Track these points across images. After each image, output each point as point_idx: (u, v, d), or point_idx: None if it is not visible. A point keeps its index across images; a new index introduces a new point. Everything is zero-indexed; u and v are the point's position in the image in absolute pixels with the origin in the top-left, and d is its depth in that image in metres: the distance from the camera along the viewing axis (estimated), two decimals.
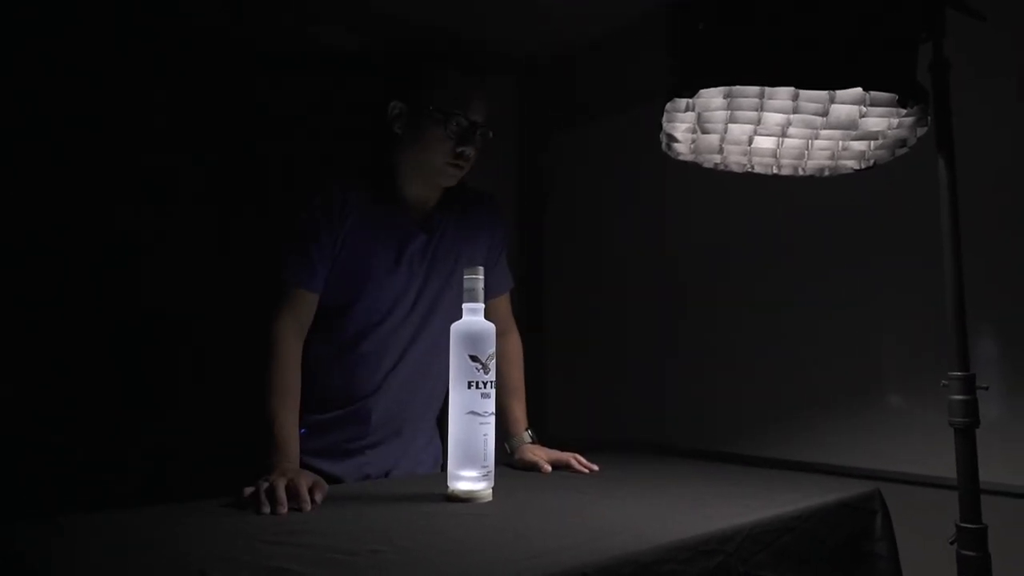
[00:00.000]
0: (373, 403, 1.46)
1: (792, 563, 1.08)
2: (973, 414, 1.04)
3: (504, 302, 1.65)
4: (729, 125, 1.18)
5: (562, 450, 1.53)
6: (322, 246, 1.39)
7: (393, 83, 1.48)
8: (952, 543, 1.05)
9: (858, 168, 1.26)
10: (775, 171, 1.29)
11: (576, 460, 1.49)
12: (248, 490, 1.10)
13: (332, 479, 1.37)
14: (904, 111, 1.10)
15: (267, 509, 1.05)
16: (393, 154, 1.47)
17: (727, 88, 1.09)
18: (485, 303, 1.53)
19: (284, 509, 1.05)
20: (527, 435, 1.57)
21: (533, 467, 1.48)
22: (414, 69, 1.45)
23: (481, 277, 1.21)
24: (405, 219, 1.47)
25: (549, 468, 1.47)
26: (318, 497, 1.11)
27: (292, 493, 1.08)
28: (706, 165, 1.29)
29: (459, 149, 1.41)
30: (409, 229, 1.46)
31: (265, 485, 1.09)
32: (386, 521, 1.01)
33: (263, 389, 1.31)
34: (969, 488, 1.04)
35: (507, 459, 1.55)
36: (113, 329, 2.04)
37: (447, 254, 1.50)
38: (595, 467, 1.48)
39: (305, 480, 1.13)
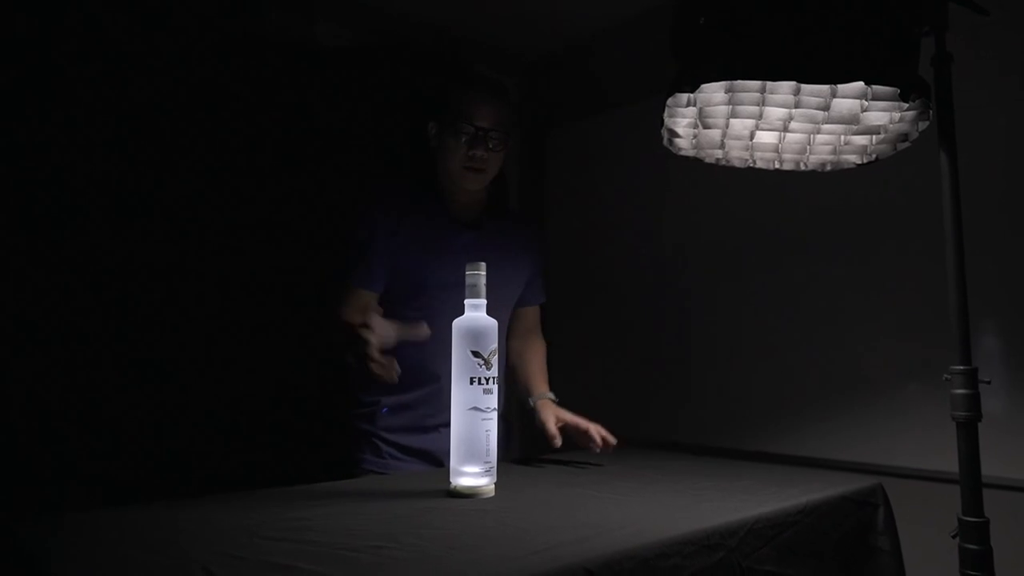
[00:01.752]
0: (443, 379, 1.51)
1: (795, 557, 1.08)
2: (975, 408, 1.04)
3: (536, 311, 1.83)
4: (730, 120, 1.18)
5: (567, 450, 1.54)
6: (378, 248, 1.57)
7: (429, 106, 1.71)
8: (954, 536, 1.05)
9: (860, 163, 1.26)
10: (777, 166, 1.29)
11: (597, 432, 1.54)
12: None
13: (415, 453, 1.59)
14: (906, 105, 1.10)
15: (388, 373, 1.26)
16: (435, 164, 1.67)
17: (728, 83, 1.09)
18: (520, 309, 1.80)
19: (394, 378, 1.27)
20: (551, 394, 1.66)
21: (544, 431, 1.55)
22: (441, 91, 1.67)
23: (483, 273, 1.21)
24: (453, 221, 1.65)
25: (558, 442, 1.54)
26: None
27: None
28: (708, 160, 1.28)
29: (470, 153, 1.57)
30: (457, 226, 1.64)
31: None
32: (389, 517, 1.01)
33: (336, 329, 1.51)
34: (971, 482, 1.04)
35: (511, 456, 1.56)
36: (116, 325, 2.04)
37: (496, 256, 1.53)
38: (613, 441, 1.54)
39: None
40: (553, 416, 1.59)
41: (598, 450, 1.54)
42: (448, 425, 1.51)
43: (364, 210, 1.62)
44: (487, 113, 1.59)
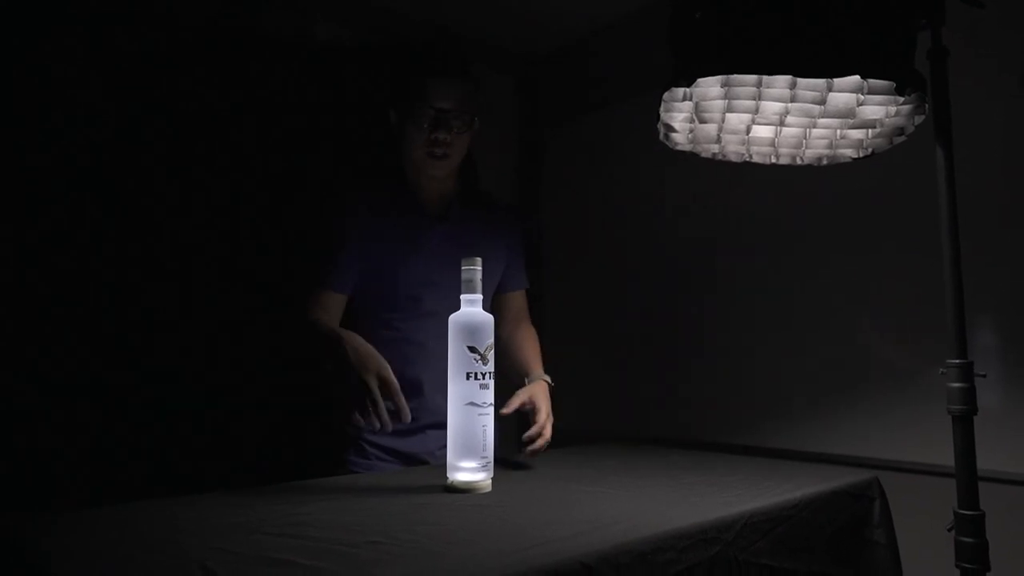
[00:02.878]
0: (426, 385, 1.53)
1: (790, 550, 1.09)
2: (971, 402, 1.05)
3: (521, 297, 1.75)
4: (727, 114, 1.18)
5: (563, 443, 1.52)
6: (349, 250, 1.52)
7: (389, 93, 1.64)
8: (950, 530, 1.06)
9: (856, 157, 1.25)
10: (773, 160, 1.29)
11: (538, 429, 1.40)
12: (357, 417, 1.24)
13: (400, 455, 1.54)
14: (902, 99, 1.10)
15: (379, 425, 1.23)
16: (399, 156, 1.60)
17: (725, 77, 1.09)
18: (503, 295, 1.70)
19: (389, 428, 1.23)
20: (547, 376, 1.57)
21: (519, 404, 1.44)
22: (398, 75, 1.60)
23: (479, 268, 1.21)
24: (423, 213, 1.58)
25: (509, 409, 1.41)
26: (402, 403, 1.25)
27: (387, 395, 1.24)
28: (704, 155, 1.28)
29: (432, 137, 1.50)
30: (428, 220, 1.58)
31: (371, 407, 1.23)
32: (386, 513, 1.01)
33: (303, 329, 1.48)
34: (967, 475, 1.05)
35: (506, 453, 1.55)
36: (114, 323, 2.04)
37: (469, 246, 1.49)
38: (537, 450, 1.40)
39: (387, 373, 1.26)
40: (527, 395, 1.46)
41: (525, 451, 1.41)
42: (433, 427, 1.53)
43: (332, 210, 1.57)
44: (447, 93, 1.50)
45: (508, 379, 1.68)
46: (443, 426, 1.44)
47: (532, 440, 1.40)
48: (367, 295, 1.54)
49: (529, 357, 1.65)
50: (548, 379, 1.58)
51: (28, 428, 1.90)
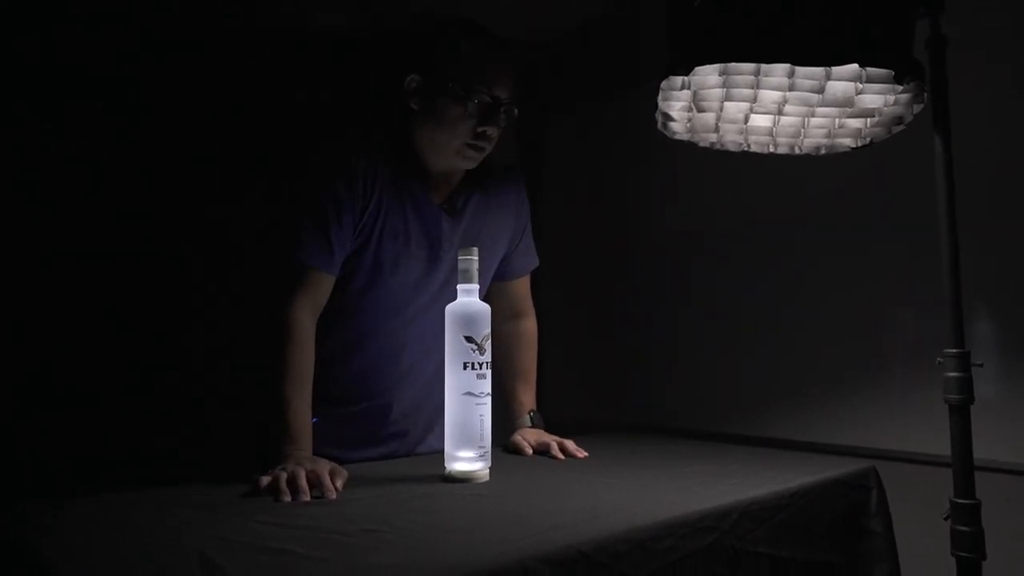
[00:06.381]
0: (393, 398, 1.40)
1: (788, 539, 1.09)
2: (968, 391, 1.05)
3: (526, 283, 1.57)
4: (725, 103, 1.17)
5: (560, 434, 1.47)
6: (343, 226, 1.27)
7: (410, 54, 1.34)
8: (946, 518, 1.06)
9: (855, 146, 1.25)
10: (771, 150, 1.28)
11: (558, 445, 1.39)
12: (265, 479, 1.04)
13: (374, 457, 1.37)
14: (900, 88, 1.09)
15: (288, 498, 1.00)
16: (411, 129, 1.34)
17: (723, 65, 1.08)
18: (508, 282, 1.54)
19: (306, 497, 1.00)
20: (527, 418, 1.50)
21: (517, 451, 1.43)
22: (433, 39, 1.31)
23: (475, 258, 1.20)
24: (428, 199, 1.36)
25: (531, 451, 1.41)
26: (339, 484, 1.06)
27: (313, 481, 1.03)
28: (702, 144, 1.28)
29: (480, 129, 1.28)
30: (433, 211, 1.36)
31: (284, 474, 1.04)
32: (383, 502, 1.01)
33: (276, 372, 1.22)
34: (963, 464, 1.05)
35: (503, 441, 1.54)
36: (115, 317, 2.04)
37: (472, 239, 1.39)
38: (582, 454, 1.38)
39: (324, 467, 1.07)
40: (521, 438, 1.45)
41: (561, 457, 1.38)
42: (398, 436, 1.42)
43: (326, 177, 1.29)
44: (505, 80, 1.28)
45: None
46: (397, 436, 1.41)
47: (569, 453, 1.38)
48: (351, 285, 1.34)
49: (517, 387, 1.52)
50: (531, 420, 1.49)
51: (28, 420, 1.90)
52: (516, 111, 1.32)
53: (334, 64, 2.43)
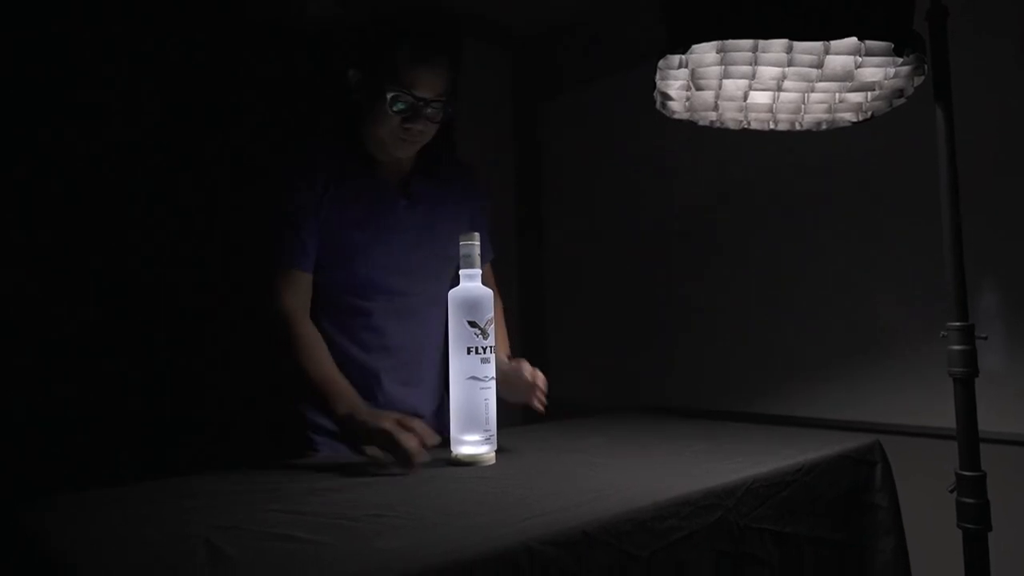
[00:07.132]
0: (383, 376, 1.43)
1: (793, 516, 1.09)
2: (972, 364, 1.05)
3: (488, 270, 1.58)
4: (723, 81, 1.16)
5: (567, 415, 1.46)
6: (309, 222, 1.35)
7: (350, 50, 1.41)
8: (951, 491, 1.06)
9: (856, 120, 1.24)
10: (771, 126, 1.27)
11: (542, 383, 1.33)
12: (371, 450, 1.14)
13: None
14: (900, 60, 1.08)
15: (423, 457, 1.10)
16: (357, 120, 1.41)
17: (720, 43, 1.07)
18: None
19: (424, 457, 1.10)
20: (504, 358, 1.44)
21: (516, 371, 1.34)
22: (368, 37, 1.36)
23: (477, 243, 1.21)
24: (384, 185, 1.43)
25: (528, 366, 1.33)
26: (430, 441, 1.13)
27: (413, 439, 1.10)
28: (702, 123, 1.27)
29: (405, 126, 1.34)
30: (388, 195, 1.43)
31: (402, 435, 1.10)
32: (389, 486, 1.02)
33: (301, 373, 1.28)
34: (968, 437, 1.05)
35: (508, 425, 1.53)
36: (117, 310, 2.05)
37: (429, 222, 1.46)
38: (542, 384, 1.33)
39: (410, 420, 1.14)
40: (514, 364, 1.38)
41: (542, 409, 1.33)
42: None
43: (288, 175, 1.37)
44: (430, 81, 1.31)
45: None
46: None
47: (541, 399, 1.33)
48: (327, 273, 1.39)
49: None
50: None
51: (31, 413, 1.91)
52: (451, 104, 1.36)
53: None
